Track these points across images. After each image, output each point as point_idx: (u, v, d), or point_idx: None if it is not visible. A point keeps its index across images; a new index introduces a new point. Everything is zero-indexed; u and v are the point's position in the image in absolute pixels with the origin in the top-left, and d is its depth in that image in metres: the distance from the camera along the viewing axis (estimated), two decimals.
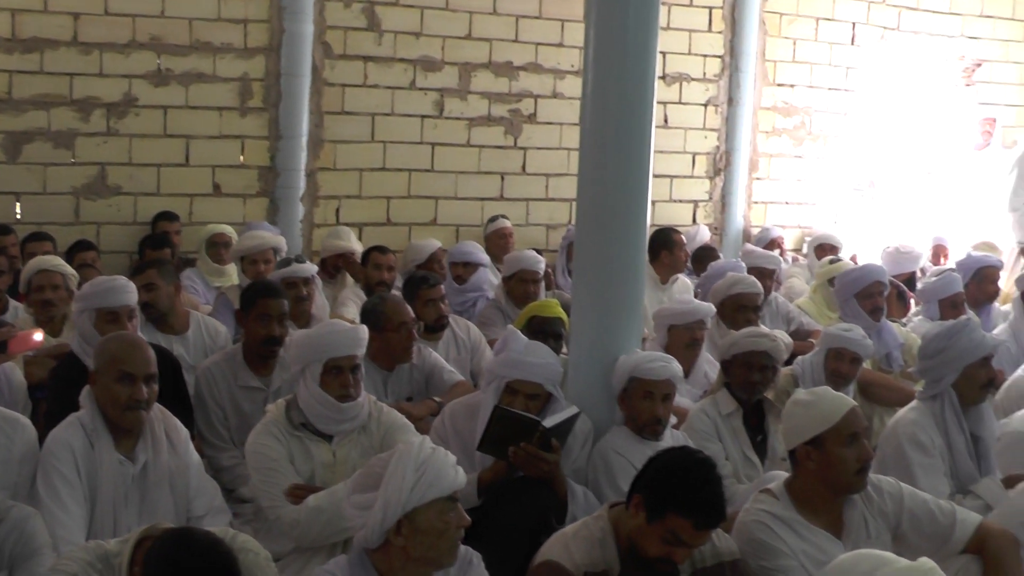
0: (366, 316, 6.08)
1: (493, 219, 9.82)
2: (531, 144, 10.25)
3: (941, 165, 12.32)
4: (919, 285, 8.66)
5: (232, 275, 8.42)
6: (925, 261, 10.57)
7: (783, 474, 4.46)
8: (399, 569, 3.49)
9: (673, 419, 5.33)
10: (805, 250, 10.92)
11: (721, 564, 3.85)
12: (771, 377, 5.75)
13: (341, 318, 6.74)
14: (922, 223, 11.86)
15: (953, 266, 8.97)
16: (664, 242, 8.88)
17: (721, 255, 10.28)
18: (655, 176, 10.37)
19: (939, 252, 11.48)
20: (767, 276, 8.39)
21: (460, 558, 3.60)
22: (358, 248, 8.61)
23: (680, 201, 11.10)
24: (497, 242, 9.52)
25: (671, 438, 5.20)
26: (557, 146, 10.22)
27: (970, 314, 7.56)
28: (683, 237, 9.19)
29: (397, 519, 3.41)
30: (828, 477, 4.10)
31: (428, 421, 5.63)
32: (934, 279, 8.26)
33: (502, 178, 10.19)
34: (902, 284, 8.84)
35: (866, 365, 6.92)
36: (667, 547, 3.64)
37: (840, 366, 6.21)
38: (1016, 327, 7.75)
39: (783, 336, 7.39)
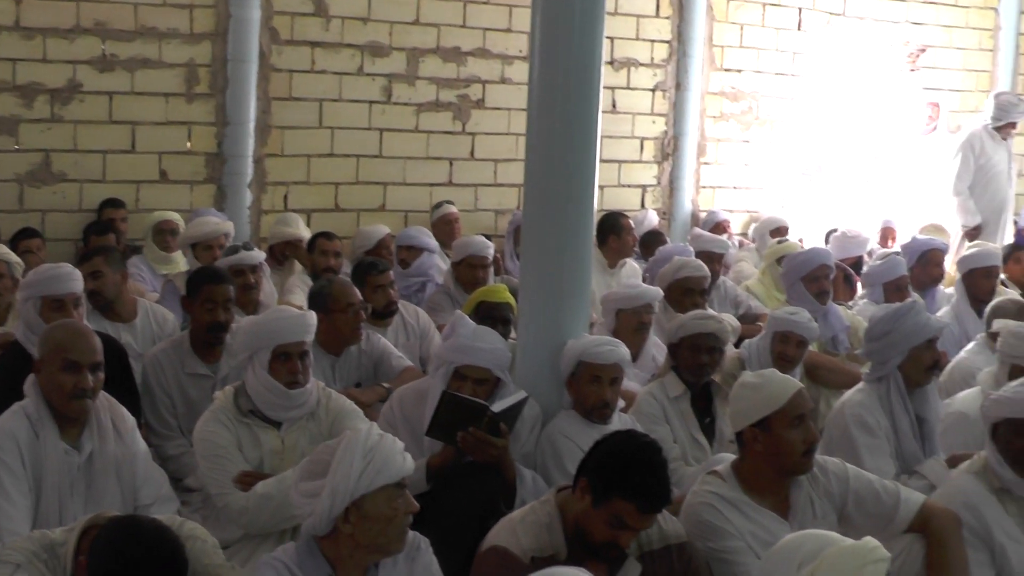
0: (313, 299, 6.07)
1: (439, 205, 9.82)
2: (479, 130, 10.23)
3: (887, 149, 12.43)
4: (865, 268, 8.73)
5: (179, 262, 8.37)
6: (873, 244, 10.66)
7: (731, 456, 4.49)
8: (347, 556, 3.48)
9: (621, 403, 5.34)
10: (752, 234, 10.99)
11: (668, 547, 3.87)
12: (718, 359, 5.79)
13: (289, 305, 6.71)
14: (869, 207, 11.97)
15: (898, 249, 9.05)
16: (612, 227, 8.92)
17: (669, 240, 10.33)
18: (603, 161, 10.42)
19: (887, 234, 11.62)
20: (715, 260, 8.43)
21: (408, 544, 3.58)
22: (306, 235, 8.56)
23: (628, 186, 11.12)
24: (444, 228, 9.50)
25: (619, 422, 5.21)
26: (506, 131, 10.20)
27: (915, 297, 7.65)
28: (631, 222, 9.21)
29: (345, 506, 3.40)
30: (775, 459, 4.13)
31: (377, 407, 5.63)
32: (879, 263, 8.33)
33: (451, 164, 10.16)
34: (848, 268, 8.91)
35: (813, 348, 6.98)
36: (613, 531, 3.65)
37: (786, 349, 6.25)
38: (958, 309, 7.84)
39: (731, 319, 7.46)
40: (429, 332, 6.98)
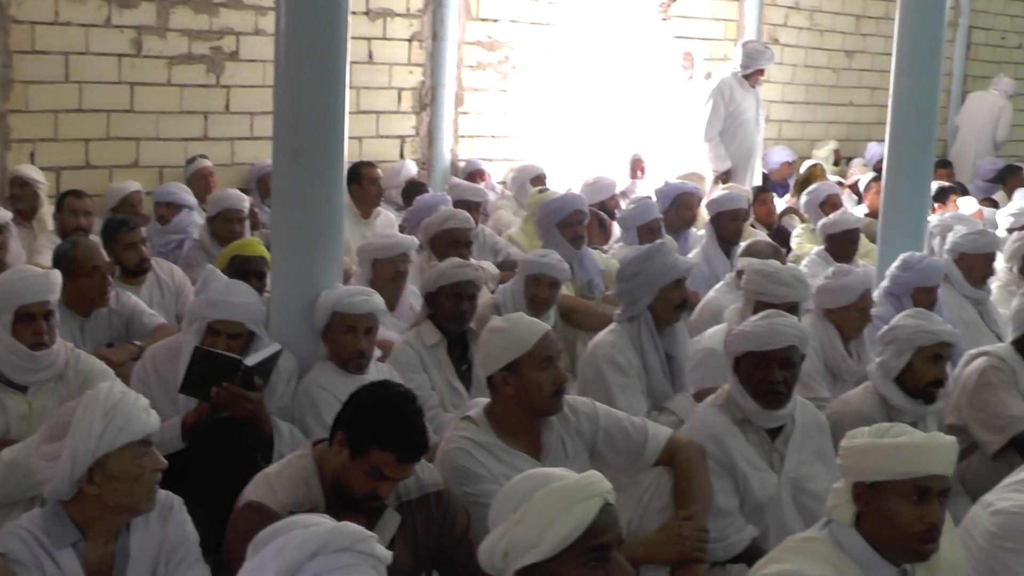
0: (58, 262, 5.87)
1: (192, 160, 9.59)
2: (234, 82, 9.97)
3: (643, 98, 12.65)
4: (619, 213, 8.91)
5: None
6: (624, 178, 10.88)
7: (485, 401, 4.52)
8: (96, 518, 3.40)
9: (378, 352, 5.34)
10: (510, 182, 11.08)
11: (426, 495, 3.87)
12: (475, 306, 5.84)
13: (39, 267, 6.48)
14: (624, 153, 12.19)
15: (651, 194, 9.26)
16: (352, 176, 8.82)
17: (431, 189, 10.35)
18: (361, 112, 10.53)
19: (636, 166, 11.90)
20: (473, 208, 8.48)
21: (160, 503, 3.51)
22: (37, 176, 8.36)
23: (387, 137, 11.04)
24: (199, 183, 9.28)
25: (376, 371, 5.21)
26: (261, 84, 9.89)
27: (667, 238, 7.85)
28: (377, 171, 9.14)
29: (87, 467, 3.31)
30: (525, 401, 4.18)
31: (130, 366, 5.48)
32: (632, 206, 8.53)
33: (205, 117, 9.88)
34: (602, 213, 9.10)
35: (569, 292, 7.11)
36: (372, 482, 3.64)
37: (539, 291, 6.34)
38: (708, 251, 8.09)
39: (490, 267, 7.53)
40: (185, 289, 6.84)
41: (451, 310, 5.68)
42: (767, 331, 4.52)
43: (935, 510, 3.18)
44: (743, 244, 7.70)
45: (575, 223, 7.48)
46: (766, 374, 4.47)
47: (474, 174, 10.89)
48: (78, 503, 3.39)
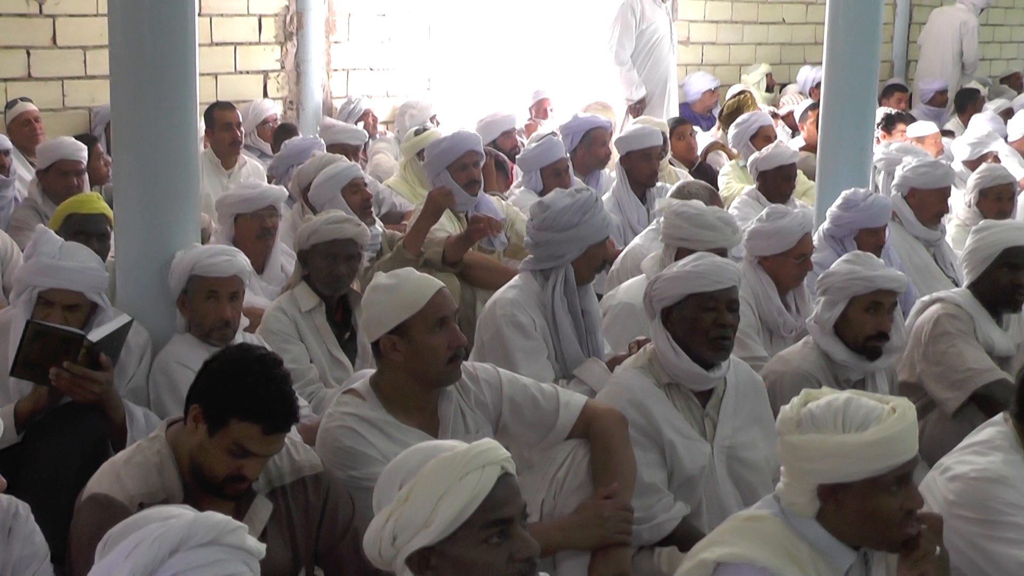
0: None
1: (12, 103, 9.32)
2: (61, 11, 9.74)
3: (538, 22, 12.63)
4: (520, 153, 8.89)
5: None
6: (527, 119, 10.90)
7: (371, 371, 4.52)
8: None
9: (245, 321, 5.31)
10: (396, 123, 11.05)
11: (302, 480, 3.87)
12: (357, 267, 5.82)
13: None
14: (522, 83, 12.18)
15: (556, 131, 9.27)
16: (206, 120, 8.75)
17: (300, 132, 10.27)
18: (215, 44, 10.40)
19: (541, 105, 11.90)
20: (351, 153, 8.48)
21: (2, 512, 3.47)
22: None
23: (248, 72, 10.89)
24: (22, 130, 9.07)
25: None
26: (95, 13, 9.73)
27: (576, 180, 7.90)
28: (235, 114, 9.08)
29: None
30: (417, 369, 4.17)
31: None
32: (535, 145, 8.49)
33: (28, 53, 9.68)
34: (500, 153, 9.06)
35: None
36: (236, 461, 3.61)
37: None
38: (619, 195, 8.14)
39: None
40: (12, 255, 6.77)
41: (326, 272, 5.67)
42: (712, 269, 4.56)
43: (914, 492, 3.25)
44: (668, 186, 7.77)
45: (469, 165, 7.42)
46: (716, 317, 4.51)
47: (363, 115, 10.81)
48: None
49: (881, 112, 11.24)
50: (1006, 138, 11.12)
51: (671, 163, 9.94)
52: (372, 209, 7.10)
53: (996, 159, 10.04)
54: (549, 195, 5.66)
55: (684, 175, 9.16)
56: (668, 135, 10.04)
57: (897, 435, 3.19)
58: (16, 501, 3.56)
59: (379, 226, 7.31)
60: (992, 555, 3.65)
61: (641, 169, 8.17)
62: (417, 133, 8.91)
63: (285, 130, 9.95)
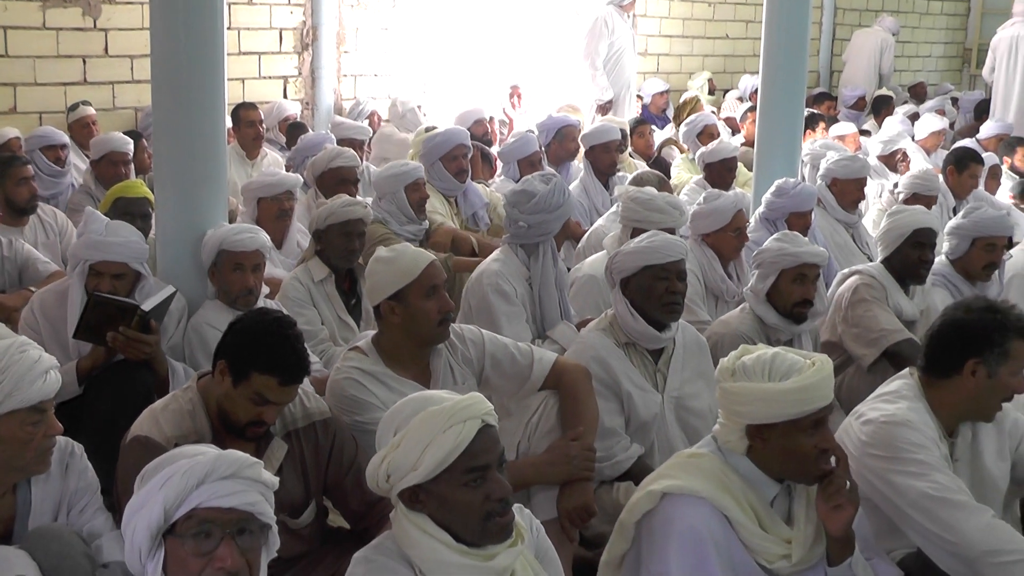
0: None
1: (75, 107, 9.30)
2: (112, 25, 9.70)
3: (518, 30, 12.59)
4: (500, 148, 8.90)
5: None
6: (503, 110, 10.88)
7: (374, 332, 4.50)
8: None
9: (266, 289, 5.28)
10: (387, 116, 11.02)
11: (312, 424, 3.84)
12: (364, 242, 5.80)
13: None
14: (502, 84, 12.17)
15: (532, 128, 9.25)
16: (232, 118, 8.69)
17: (315, 129, 10.24)
18: (242, 54, 10.33)
19: (514, 93, 11.92)
20: (357, 146, 8.44)
21: (60, 451, 3.47)
22: None
23: (270, 78, 10.84)
24: (80, 131, 9.05)
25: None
26: (140, 27, 9.65)
27: (549, 170, 7.86)
28: (257, 113, 9.02)
29: None
30: (412, 329, 4.17)
31: None
32: (513, 140, 8.53)
33: (84, 62, 9.63)
34: (485, 147, 9.08)
35: (455, 225, 7.11)
36: (256, 408, 3.59)
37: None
38: (586, 182, 8.14)
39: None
40: (67, 231, 6.77)
41: (341, 247, 5.64)
42: (664, 244, 4.58)
43: (828, 434, 3.26)
44: (628, 175, 7.75)
45: (459, 156, 7.42)
46: (668, 286, 4.53)
47: (370, 115, 10.80)
48: None
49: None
50: (913, 137, 11.15)
51: (631, 156, 9.93)
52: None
53: (904, 155, 10.05)
54: (524, 183, 5.62)
55: (643, 167, 9.11)
56: (630, 133, 10.03)
57: (814, 385, 3.20)
58: (72, 442, 3.56)
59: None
60: (897, 486, 3.65)
61: (603, 160, 8.15)
62: (428, 131, 8.88)
63: (296, 127, 9.91)
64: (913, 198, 7.67)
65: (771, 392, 3.21)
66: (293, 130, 9.78)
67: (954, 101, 15.65)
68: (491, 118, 10.76)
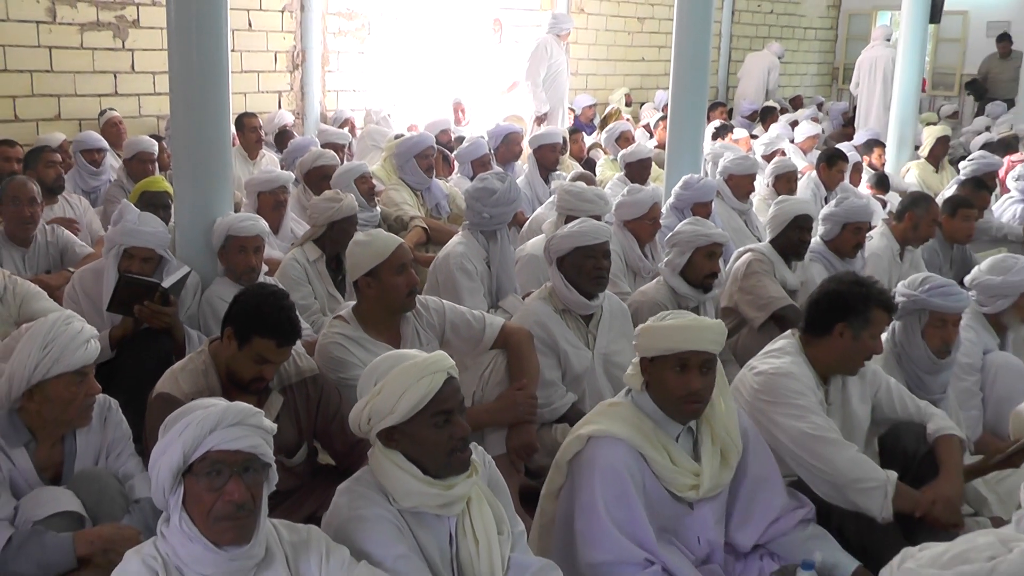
0: None
1: (102, 113, 9.18)
2: (138, 46, 9.51)
3: (462, 56, 12.51)
4: (456, 150, 8.86)
5: None
6: (450, 124, 10.81)
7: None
8: (39, 427, 3.34)
9: (265, 268, 5.23)
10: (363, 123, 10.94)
11: (304, 380, 3.81)
12: (351, 232, 5.70)
13: None
14: (448, 100, 12.11)
15: (483, 135, 9.20)
16: (236, 125, 8.59)
17: (304, 134, 10.16)
18: (244, 72, 10.21)
19: (457, 109, 11.88)
20: (339, 149, 8.37)
21: (99, 406, 3.44)
22: None
23: (266, 92, 10.68)
24: (110, 130, 8.89)
25: None
26: (160, 47, 9.46)
27: (499, 169, 7.82)
28: (256, 120, 8.86)
29: (22, 391, 3.25)
30: (385, 300, 4.14)
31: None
32: (467, 145, 8.48)
33: (115, 76, 9.46)
34: (446, 149, 9.04)
35: (421, 213, 7.06)
36: (257, 367, 3.57)
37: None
38: (531, 177, 8.11)
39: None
40: (87, 217, 6.84)
41: (342, 242, 5.40)
42: (593, 229, 4.56)
43: (694, 378, 3.21)
44: (564, 174, 7.74)
45: (428, 155, 7.40)
46: (595, 263, 4.51)
47: (344, 121, 10.71)
48: (25, 412, 3.32)
49: (717, 123, 11.39)
50: (792, 140, 11.21)
51: (570, 158, 9.91)
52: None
53: (783, 153, 10.09)
54: (483, 181, 5.55)
55: (576, 166, 9.09)
56: (567, 139, 10.02)
57: (687, 328, 3.20)
58: (109, 398, 3.55)
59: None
60: (782, 426, 3.67)
61: (548, 158, 8.13)
62: (396, 137, 8.80)
63: (284, 133, 9.86)
64: (777, 180, 7.91)
65: (656, 328, 3.24)
66: (280, 136, 9.77)
67: (820, 106, 15.93)
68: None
